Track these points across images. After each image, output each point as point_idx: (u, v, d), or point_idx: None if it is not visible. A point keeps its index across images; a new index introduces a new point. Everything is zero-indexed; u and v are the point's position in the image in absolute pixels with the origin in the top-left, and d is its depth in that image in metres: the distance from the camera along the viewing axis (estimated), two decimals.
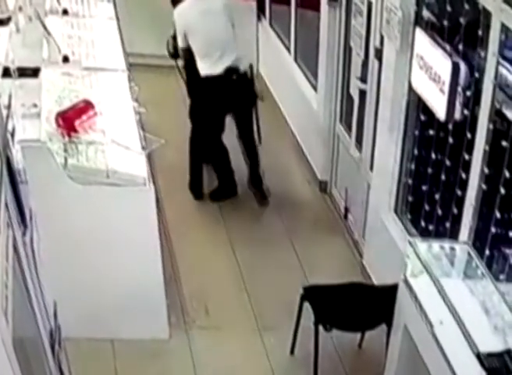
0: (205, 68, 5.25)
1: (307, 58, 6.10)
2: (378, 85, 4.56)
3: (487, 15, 3.28)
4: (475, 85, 3.46)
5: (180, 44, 5.32)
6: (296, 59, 6.47)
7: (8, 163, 2.31)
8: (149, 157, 4.19)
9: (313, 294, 4.03)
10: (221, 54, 5.23)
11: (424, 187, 4.19)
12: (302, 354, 4.19)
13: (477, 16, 3.42)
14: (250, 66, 5.46)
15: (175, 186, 5.45)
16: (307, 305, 3.99)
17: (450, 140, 3.81)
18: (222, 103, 5.35)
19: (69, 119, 4.08)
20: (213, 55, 5.22)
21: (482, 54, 3.38)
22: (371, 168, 4.84)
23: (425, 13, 3.91)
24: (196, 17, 5.22)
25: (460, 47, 3.59)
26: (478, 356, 2.67)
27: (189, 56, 5.30)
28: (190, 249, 5.01)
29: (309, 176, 5.97)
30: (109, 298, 4.05)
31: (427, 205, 4.18)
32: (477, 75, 3.45)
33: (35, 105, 4.12)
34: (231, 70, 5.25)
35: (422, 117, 4.11)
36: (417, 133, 4.23)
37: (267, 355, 4.24)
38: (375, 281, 4.71)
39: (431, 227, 4.14)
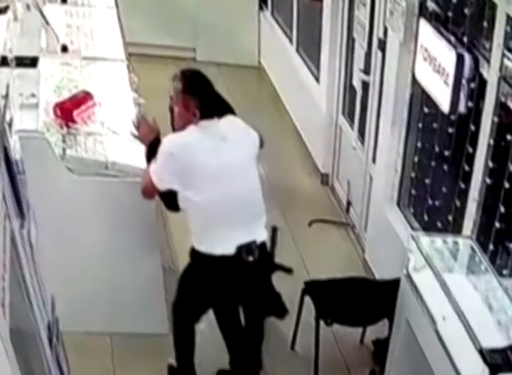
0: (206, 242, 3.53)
1: (310, 49, 6.05)
2: (381, 77, 4.53)
3: (492, 6, 3.25)
4: (480, 77, 3.42)
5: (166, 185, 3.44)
6: (298, 50, 6.42)
7: (6, 154, 2.28)
8: None
9: (314, 289, 4.00)
10: (239, 223, 3.46)
11: (427, 181, 4.16)
12: (303, 349, 4.16)
13: (482, 7, 3.39)
14: (274, 230, 3.80)
15: None
16: (308, 300, 3.97)
17: (454, 133, 3.78)
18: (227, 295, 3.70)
19: (68, 110, 4.05)
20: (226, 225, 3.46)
21: (487, 45, 3.34)
22: (374, 161, 4.81)
23: (430, 4, 3.87)
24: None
25: (465, 38, 3.55)
26: (481, 352, 2.65)
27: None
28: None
29: (310, 168, 5.93)
30: (108, 292, 4.02)
31: (430, 199, 4.14)
32: (481, 67, 3.41)
33: (33, 95, 4.10)
34: (246, 248, 3.45)
35: (426, 109, 4.08)
36: (420, 125, 4.19)
37: (267, 349, 4.21)
38: (377, 276, 4.68)
39: (434, 221, 4.11)
